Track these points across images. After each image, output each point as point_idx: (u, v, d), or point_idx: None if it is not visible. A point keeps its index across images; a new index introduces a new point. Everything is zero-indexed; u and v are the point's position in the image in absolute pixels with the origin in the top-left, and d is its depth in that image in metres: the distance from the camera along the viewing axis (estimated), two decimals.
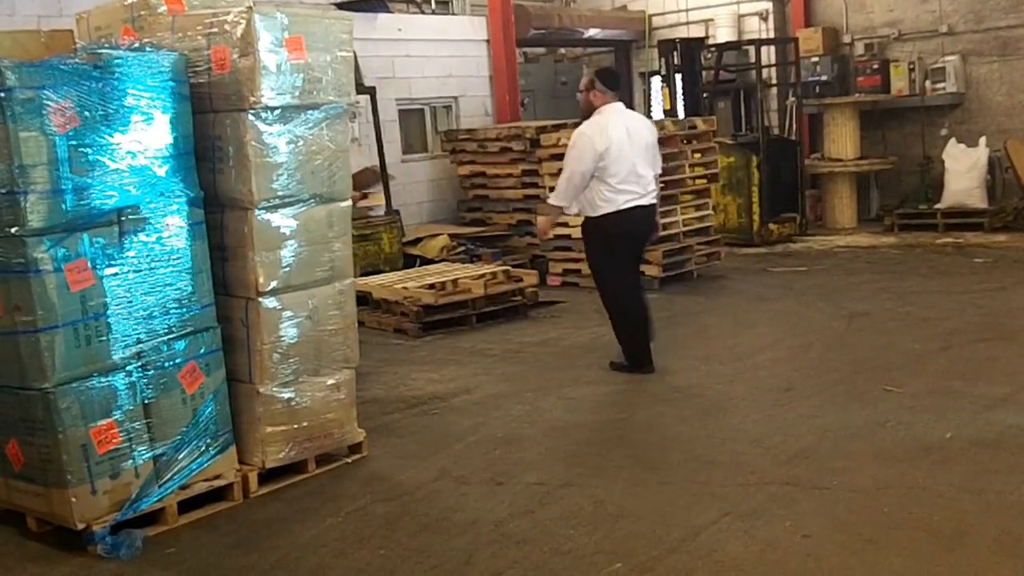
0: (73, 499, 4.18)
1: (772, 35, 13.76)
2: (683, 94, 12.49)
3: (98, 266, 4.22)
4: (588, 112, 6.52)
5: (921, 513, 4.15)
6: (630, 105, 15.13)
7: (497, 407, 6.06)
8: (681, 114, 12.18)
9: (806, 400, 5.78)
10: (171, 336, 4.49)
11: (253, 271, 4.72)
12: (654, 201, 6.56)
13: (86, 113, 4.14)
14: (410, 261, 10.23)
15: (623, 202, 6.32)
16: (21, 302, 4.06)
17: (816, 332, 7.45)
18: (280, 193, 4.74)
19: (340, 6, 10.45)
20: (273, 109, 4.65)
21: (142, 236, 4.37)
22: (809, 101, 12.99)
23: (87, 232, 4.18)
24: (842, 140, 12.52)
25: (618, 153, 6.28)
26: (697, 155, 9.99)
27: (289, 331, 4.85)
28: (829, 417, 5.43)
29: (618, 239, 6.44)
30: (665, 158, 9.42)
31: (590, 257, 6.72)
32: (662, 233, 9.51)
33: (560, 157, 9.97)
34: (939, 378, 6.05)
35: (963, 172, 11.82)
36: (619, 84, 6.71)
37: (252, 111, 4.58)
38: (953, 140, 12.13)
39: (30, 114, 3.99)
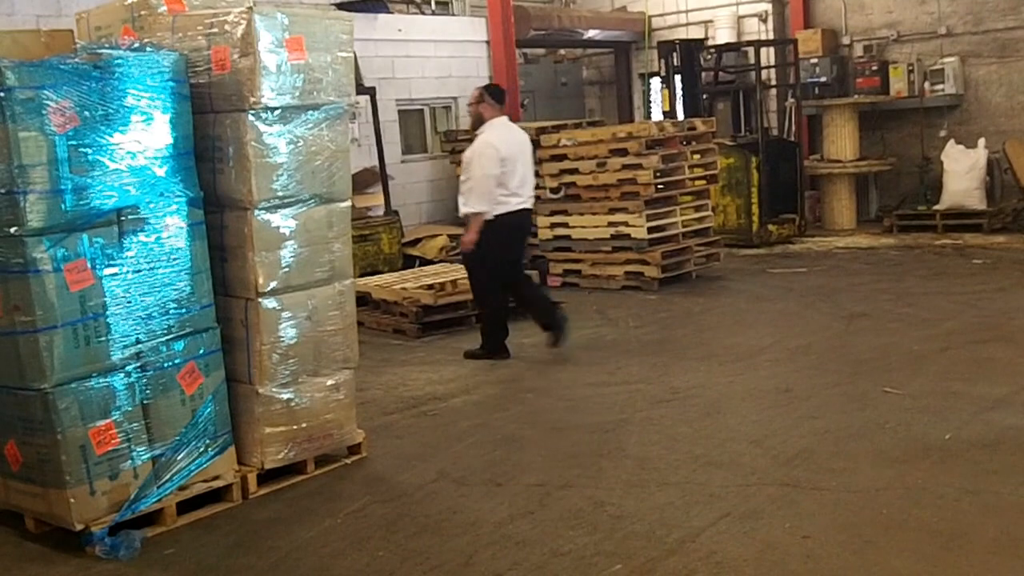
0: (71, 500, 4.18)
1: (771, 36, 13.76)
2: (682, 95, 12.49)
3: (97, 266, 4.22)
4: (478, 123, 7.20)
5: (920, 514, 4.15)
6: (630, 105, 15.21)
7: (497, 407, 6.06)
8: (680, 115, 12.17)
9: (805, 401, 5.78)
10: (170, 336, 4.49)
11: (253, 271, 4.71)
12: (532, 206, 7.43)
13: (86, 113, 4.14)
14: (409, 261, 10.24)
15: (515, 204, 7.08)
16: (20, 302, 4.06)
17: (815, 333, 7.45)
18: (280, 193, 4.74)
19: (340, 6, 10.46)
20: (273, 109, 4.65)
21: (141, 236, 4.37)
22: (808, 102, 13.00)
23: (86, 232, 4.18)
24: (841, 141, 12.52)
25: (513, 161, 7.01)
26: (696, 156, 9.97)
27: (289, 331, 4.85)
28: (829, 418, 5.43)
29: (512, 235, 7.21)
30: (665, 159, 9.51)
31: (476, 254, 7.11)
32: (661, 234, 9.61)
33: (561, 158, 10.07)
34: (938, 379, 6.05)
35: (962, 173, 11.82)
36: (504, 99, 7.34)
37: (252, 111, 4.58)
38: (952, 141, 12.13)
39: (30, 114, 3.99)
